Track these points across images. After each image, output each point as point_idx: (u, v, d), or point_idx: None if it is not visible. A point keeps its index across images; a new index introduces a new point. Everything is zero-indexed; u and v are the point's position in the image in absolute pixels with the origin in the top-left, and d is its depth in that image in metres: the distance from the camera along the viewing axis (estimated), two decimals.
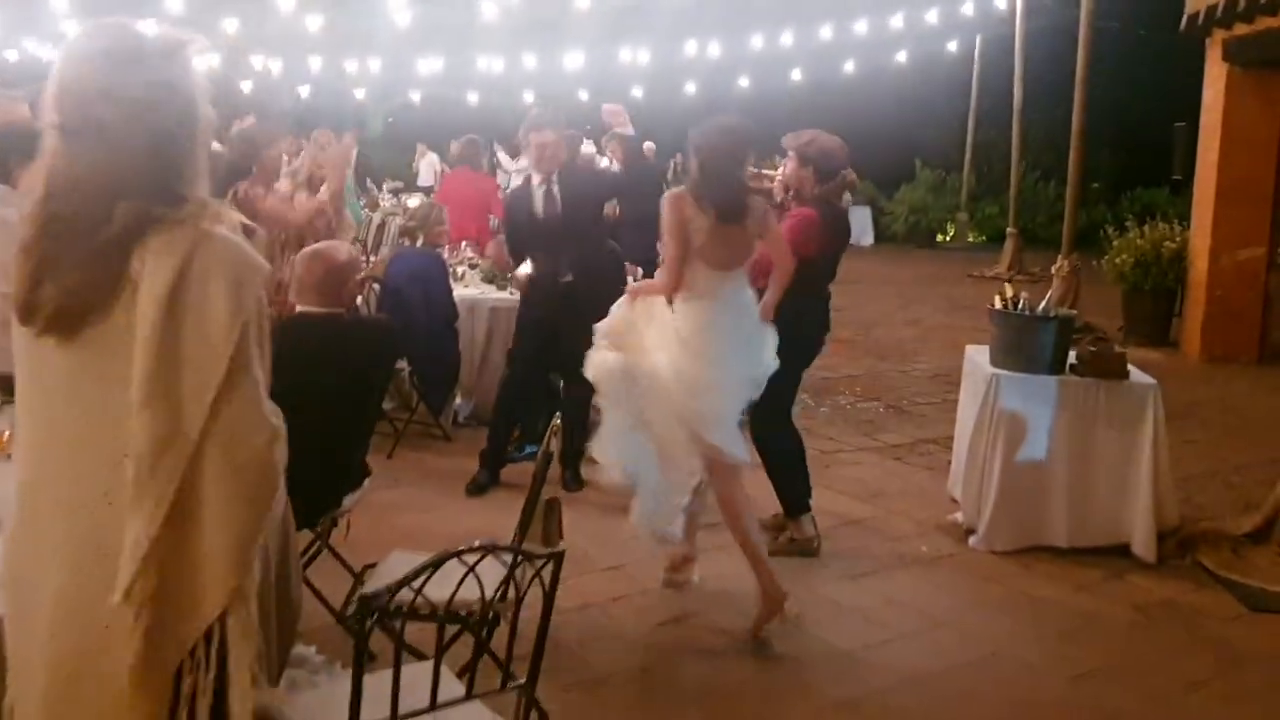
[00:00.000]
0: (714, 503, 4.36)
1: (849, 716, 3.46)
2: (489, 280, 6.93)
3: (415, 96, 19.57)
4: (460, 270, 7.07)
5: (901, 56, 17.51)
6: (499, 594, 2.40)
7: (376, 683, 2.44)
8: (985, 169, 21.43)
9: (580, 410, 4.87)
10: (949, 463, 5.78)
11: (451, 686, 2.54)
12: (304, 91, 17.83)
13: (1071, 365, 4.96)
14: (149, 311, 1.67)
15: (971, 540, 4.90)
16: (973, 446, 4.94)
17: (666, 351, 3.94)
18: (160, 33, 1.80)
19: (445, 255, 6.87)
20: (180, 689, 1.79)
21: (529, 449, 5.59)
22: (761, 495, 5.07)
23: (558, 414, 3.37)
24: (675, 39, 14.95)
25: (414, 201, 9.58)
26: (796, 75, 17.51)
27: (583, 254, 5.29)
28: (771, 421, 4.73)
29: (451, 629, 2.90)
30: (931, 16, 15.27)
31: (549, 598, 2.46)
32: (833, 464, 6.11)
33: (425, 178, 15.81)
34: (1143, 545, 4.75)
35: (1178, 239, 10.36)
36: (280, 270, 5.17)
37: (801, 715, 3.47)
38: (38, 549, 1.77)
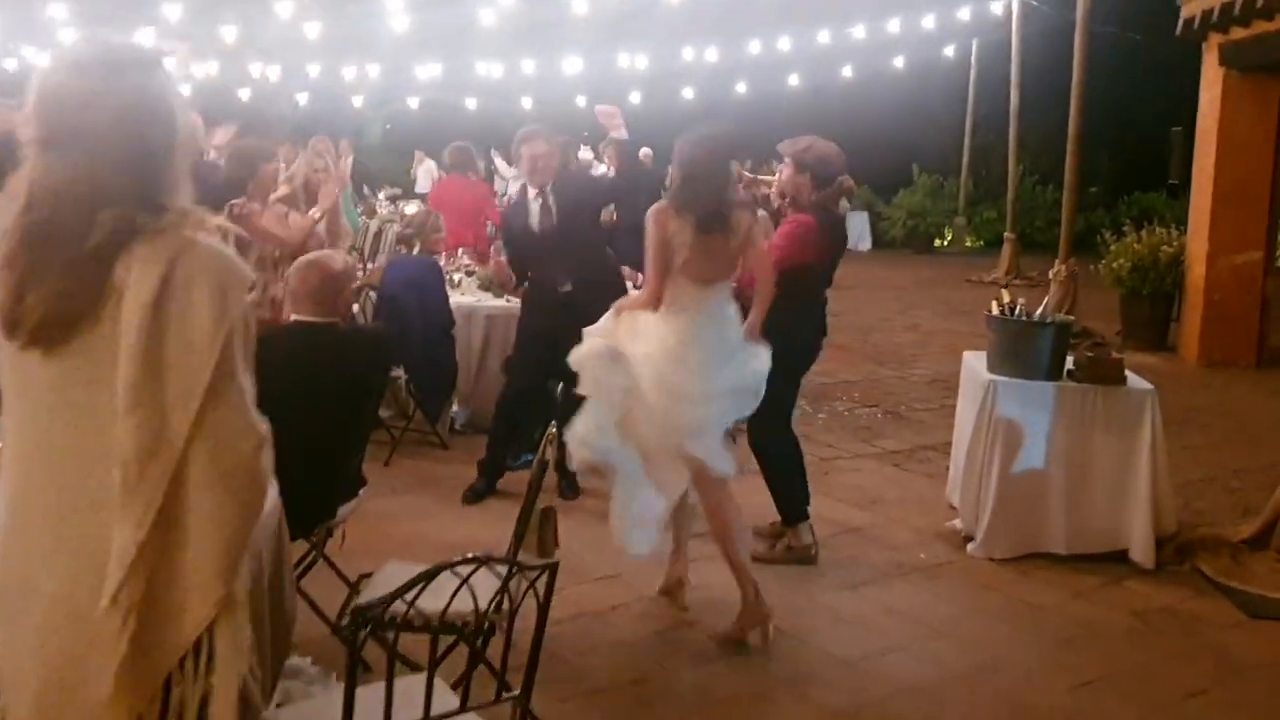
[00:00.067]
0: (698, 512, 4.36)
1: None
2: (486, 287, 6.92)
3: (413, 103, 19.58)
4: (457, 277, 7.06)
5: (899, 61, 17.54)
6: (494, 605, 2.39)
7: (371, 695, 2.42)
8: (983, 174, 21.43)
9: None
10: (947, 469, 5.77)
11: (446, 698, 2.53)
12: (302, 99, 17.84)
13: (1069, 371, 4.95)
14: (134, 319, 1.68)
15: (970, 547, 4.89)
16: (970, 453, 4.93)
17: (650, 364, 3.92)
18: (139, 44, 1.83)
19: (442, 262, 6.86)
20: (169, 699, 1.78)
21: (526, 457, 5.58)
22: (759, 502, 5.06)
23: (553, 422, 3.36)
24: (673, 44, 14.97)
25: (411, 209, 9.57)
26: (794, 80, 17.54)
27: (581, 262, 5.28)
28: (770, 428, 4.72)
29: (447, 640, 2.89)
30: (928, 22, 15.29)
31: (543, 609, 2.45)
32: (831, 471, 6.10)
33: (423, 184, 15.81)
34: (1141, 552, 4.73)
35: (1175, 243, 10.36)
36: (273, 286, 5.16)
37: None
38: (27, 557, 1.77)
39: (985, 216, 21.53)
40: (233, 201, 5.13)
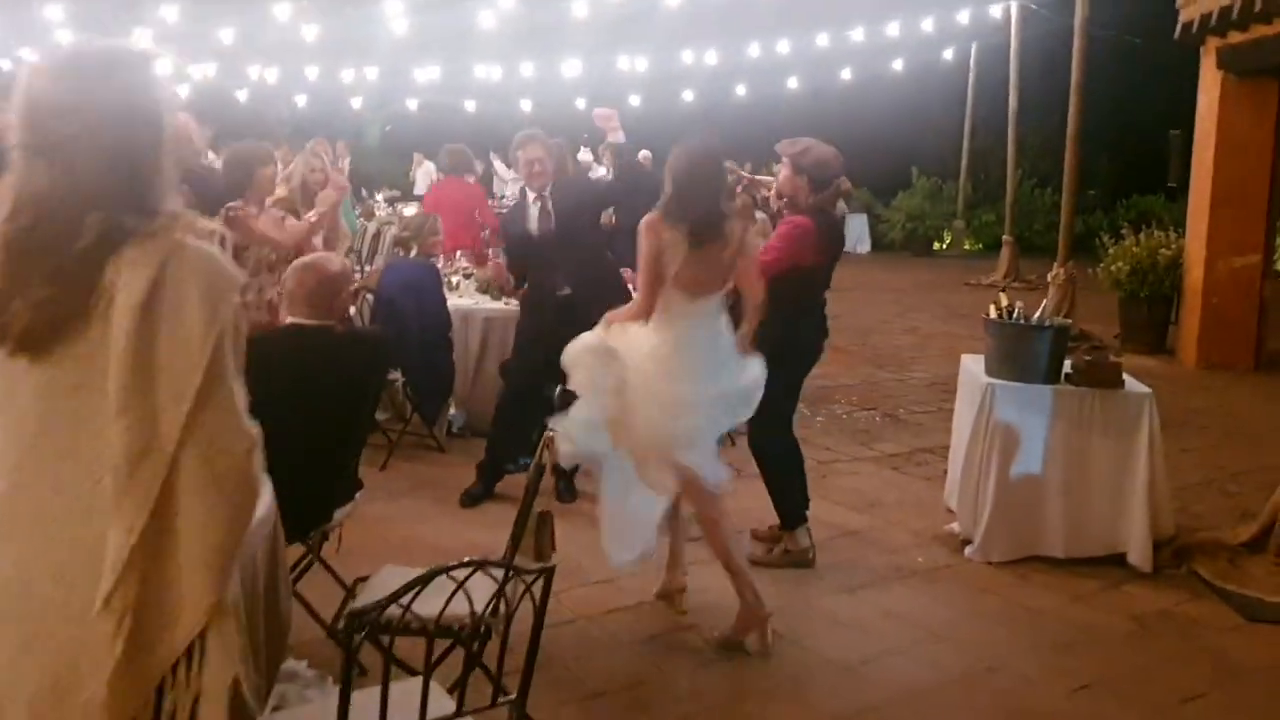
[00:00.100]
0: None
1: None
2: (484, 290, 6.92)
3: (412, 105, 19.57)
4: (455, 280, 7.06)
5: (898, 65, 17.55)
6: (490, 609, 2.38)
7: (366, 699, 2.42)
8: (982, 176, 21.46)
9: None
10: (946, 472, 5.76)
11: (442, 702, 2.52)
12: (300, 101, 17.83)
13: (1067, 375, 4.94)
14: (124, 322, 1.68)
15: (968, 551, 4.88)
16: (969, 457, 4.92)
17: (641, 375, 3.91)
18: (124, 48, 1.82)
19: (440, 265, 6.86)
20: (162, 704, 1.78)
21: (525, 461, 5.57)
22: (757, 505, 5.06)
23: (551, 427, 3.36)
24: (672, 47, 14.97)
25: (410, 211, 9.57)
26: (793, 83, 17.55)
27: (580, 266, 5.28)
28: (770, 431, 4.72)
29: (443, 644, 2.88)
30: (927, 25, 15.30)
31: (539, 613, 2.44)
32: (829, 474, 6.09)
33: (422, 187, 15.82)
34: (1139, 555, 4.73)
35: (1173, 246, 10.37)
36: (270, 289, 5.16)
37: None
38: (18, 561, 1.76)
39: (984, 219, 21.55)
40: (229, 204, 5.13)
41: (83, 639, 1.72)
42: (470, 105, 18.42)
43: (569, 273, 5.27)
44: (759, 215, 10.43)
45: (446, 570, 2.26)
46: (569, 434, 3.70)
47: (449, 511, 5.30)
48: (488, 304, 6.72)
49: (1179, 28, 10.14)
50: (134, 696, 1.73)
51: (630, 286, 5.71)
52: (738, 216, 4.25)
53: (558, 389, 5.57)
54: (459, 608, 2.27)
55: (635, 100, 17.32)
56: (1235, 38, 9.35)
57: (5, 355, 1.73)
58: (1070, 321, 5.95)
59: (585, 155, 11.65)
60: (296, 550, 3.50)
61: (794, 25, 14.75)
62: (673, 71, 15.81)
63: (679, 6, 11.80)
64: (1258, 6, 8.64)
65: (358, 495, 3.83)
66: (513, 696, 2.60)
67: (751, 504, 5.25)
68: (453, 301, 6.53)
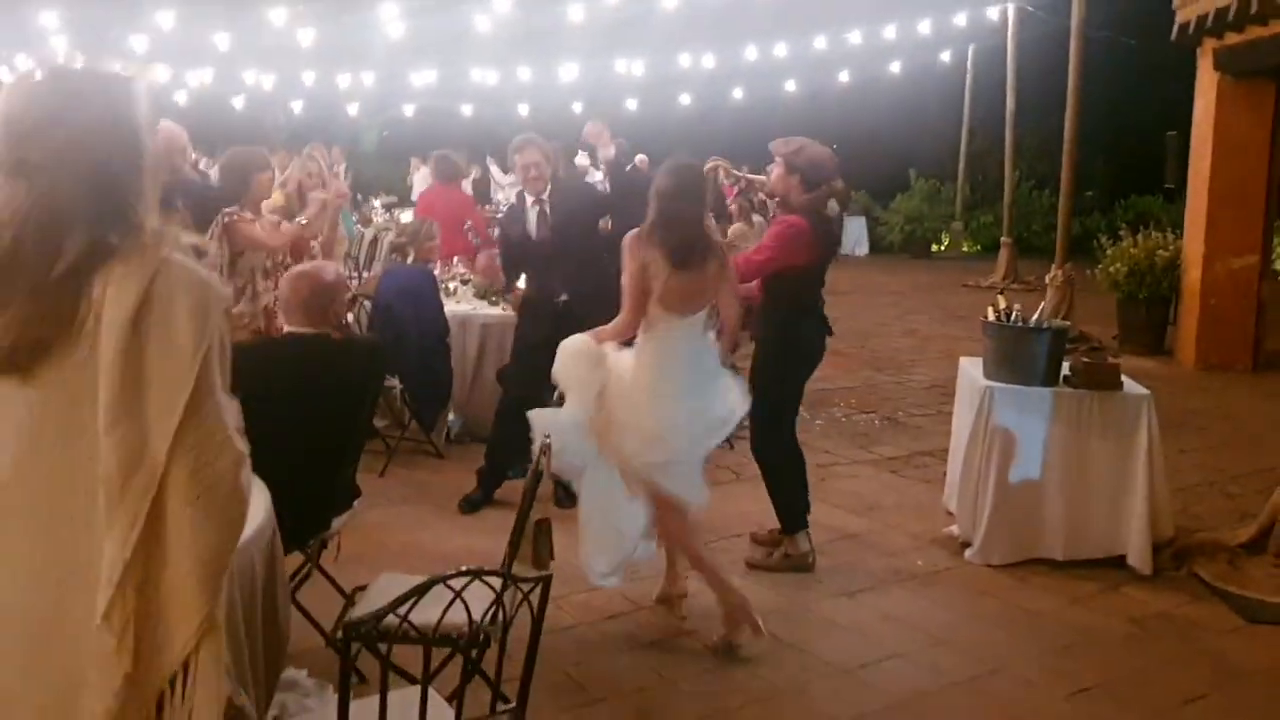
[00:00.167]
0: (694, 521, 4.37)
1: None
2: (481, 296, 6.91)
3: (409, 110, 19.57)
4: (452, 286, 7.06)
5: (895, 67, 17.55)
6: (489, 617, 2.38)
7: (366, 708, 2.42)
8: (980, 178, 21.46)
9: None
10: (945, 475, 5.76)
11: (441, 711, 2.52)
12: (297, 106, 17.83)
13: (1065, 377, 4.94)
14: (113, 337, 1.68)
15: (967, 554, 4.88)
16: (967, 460, 4.92)
17: (624, 389, 3.94)
18: (100, 69, 1.85)
19: (437, 271, 6.86)
20: (162, 717, 1.78)
21: (524, 466, 5.56)
22: (757, 510, 5.06)
23: (548, 433, 3.35)
24: (669, 51, 14.97)
25: (407, 217, 9.58)
26: (791, 86, 17.55)
27: (578, 272, 5.27)
28: (772, 434, 4.72)
29: (443, 653, 2.87)
30: (924, 27, 15.30)
31: (537, 621, 2.44)
32: (828, 477, 6.08)
33: (419, 192, 15.82)
34: (1138, 557, 4.72)
35: (1171, 247, 10.37)
36: (265, 296, 5.15)
37: None
38: (16, 578, 1.76)
39: (982, 221, 21.55)
40: (225, 210, 5.13)
41: (85, 654, 1.72)
42: (467, 110, 18.41)
43: (566, 279, 5.27)
44: (756, 219, 10.46)
45: (444, 579, 2.26)
46: (554, 436, 3.71)
47: (448, 518, 5.29)
48: (485, 309, 6.71)
49: (1175, 29, 10.15)
50: (138, 710, 1.73)
51: None
52: (740, 220, 4.28)
53: (555, 394, 5.57)
54: (457, 616, 2.27)
55: (632, 104, 17.32)
56: (1232, 39, 9.36)
57: None
58: (1069, 323, 5.97)
59: (582, 160, 11.63)
60: (295, 558, 3.50)
61: (791, 28, 14.75)
62: (670, 75, 15.81)
63: (675, 10, 11.80)
64: (1254, 8, 8.64)
65: (356, 503, 3.82)
66: (512, 705, 2.59)
67: (751, 507, 5.25)
68: (450, 307, 6.53)
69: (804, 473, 4.83)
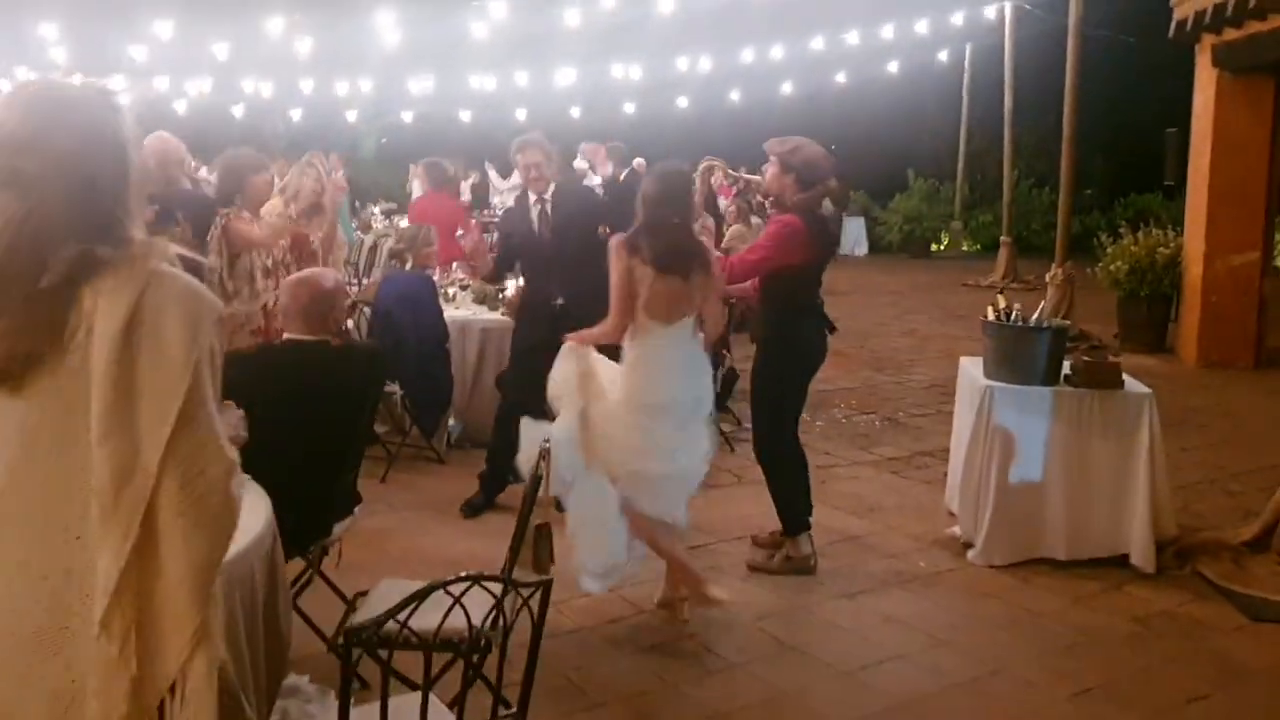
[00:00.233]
0: (696, 524, 4.43)
1: None
2: (480, 301, 6.91)
3: (407, 116, 19.59)
4: (451, 291, 7.06)
5: (893, 67, 17.56)
6: (489, 622, 2.37)
7: (368, 714, 2.41)
8: (979, 177, 21.46)
9: None
10: (946, 475, 5.75)
11: (442, 716, 2.51)
12: (295, 115, 17.85)
13: (1066, 376, 4.93)
14: (104, 348, 1.69)
15: (970, 554, 4.86)
16: (969, 460, 4.91)
17: (607, 410, 3.98)
18: (85, 83, 1.88)
19: (436, 277, 6.85)
20: None
21: None
22: (758, 512, 5.06)
23: (548, 438, 3.35)
24: (666, 54, 14.99)
25: (406, 223, 9.58)
26: (788, 88, 17.57)
27: (576, 275, 5.26)
28: (775, 436, 4.70)
29: (444, 658, 2.87)
30: (921, 27, 15.31)
31: (538, 626, 2.44)
32: (829, 479, 6.07)
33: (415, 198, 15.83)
34: (1141, 556, 4.71)
35: (1172, 245, 10.36)
36: (264, 295, 5.15)
37: None
38: (10, 584, 1.77)
39: (981, 220, 21.55)
40: (222, 210, 5.15)
41: (83, 662, 1.73)
42: (465, 116, 18.44)
43: (564, 282, 5.26)
44: (754, 220, 10.46)
45: (443, 585, 2.26)
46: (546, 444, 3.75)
47: (450, 522, 5.29)
48: (485, 315, 6.71)
49: (1173, 26, 10.15)
50: (146, 712, 1.74)
51: None
52: (739, 221, 4.33)
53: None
54: (458, 621, 2.26)
55: (630, 107, 17.34)
56: (1230, 35, 9.35)
57: None
58: (1069, 322, 5.96)
59: (581, 163, 11.65)
60: (297, 564, 3.50)
61: (788, 30, 14.76)
62: (667, 78, 15.83)
63: (672, 13, 11.81)
64: (1252, 3, 8.64)
65: (356, 509, 3.82)
66: (513, 710, 2.59)
67: (751, 510, 5.24)
68: (450, 313, 6.53)
69: (806, 475, 4.82)
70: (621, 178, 6.57)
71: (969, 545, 4.91)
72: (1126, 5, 15.73)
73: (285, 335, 3.73)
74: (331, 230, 5.97)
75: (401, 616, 2.24)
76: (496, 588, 2.34)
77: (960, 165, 20.69)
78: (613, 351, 4.20)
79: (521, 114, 17.00)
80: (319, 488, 3.52)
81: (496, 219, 8.69)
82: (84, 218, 1.75)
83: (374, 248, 10.32)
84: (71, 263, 1.71)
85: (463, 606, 2.25)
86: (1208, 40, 9.73)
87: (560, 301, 5.24)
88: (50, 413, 1.73)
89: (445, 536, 5.09)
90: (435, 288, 6.55)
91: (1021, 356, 4.86)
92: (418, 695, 2.39)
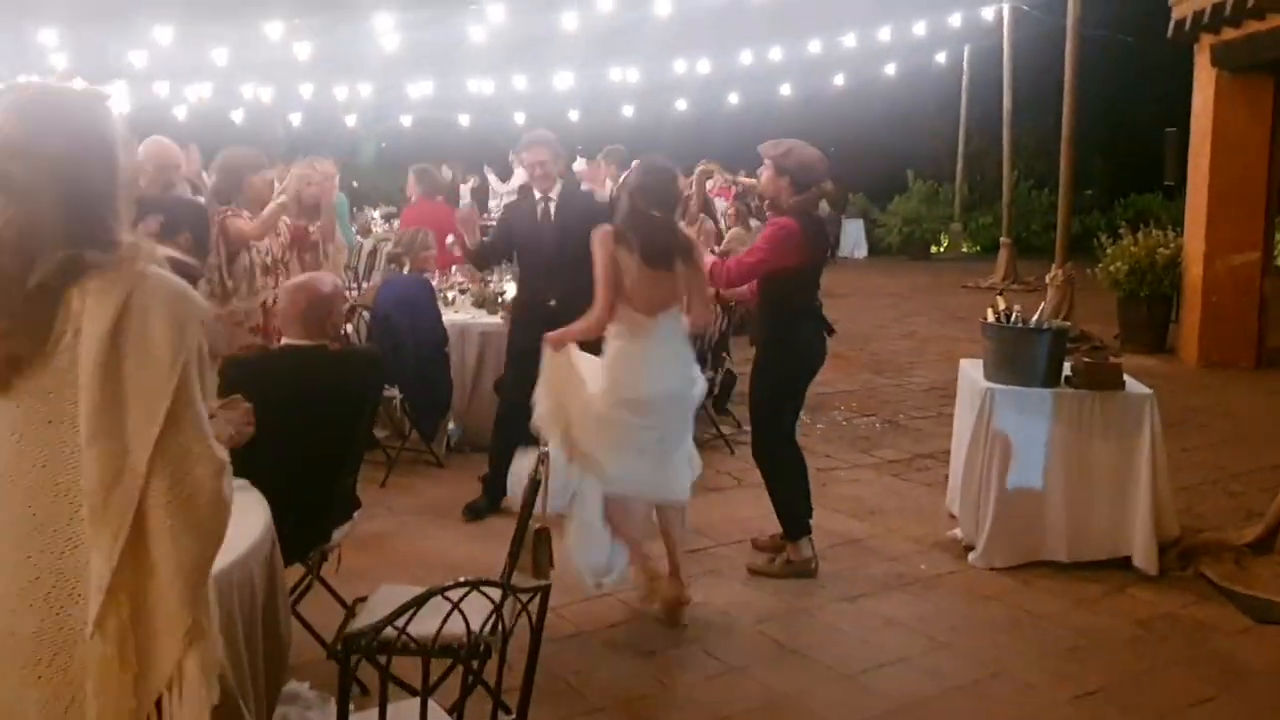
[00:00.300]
0: (696, 527, 4.48)
1: None
2: (479, 305, 6.91)
3: (406, 121, 19.61)
4: (451, 295, 7.05)
5: (891, 69, 17.56)
6: (488, 628, 2.36)
7: None
8: (978, 178, 21.45)
9: None
10: (947, 478, 5.74)
11: None
12: (295, 119, 17.86)
13: (1067, 377, 4.92)
14: (91, 350, 1.71)
15: (971, 557, 4.85)
16: (969, 462, 4.90)
17: (588, 415, 4.02)
18: (75, 88, 1.90)
19: (435, 281, 6.84)
20: None
21: None
22: (759, 515, 5.04)
23: (546, 442, 3.34)
24: (664, 57, 14.99)
25: None
26: (786, 90, 17.56)
27: (574, 279, 5.24)
28: (773, 439, 4.69)
29: (443, 664, 2.86)
30: (919, 29, 15.31)
31: (536, 631, 2.43)
32: (829, 482, 6.06)
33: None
34: (1143, 558, 4.70)
35: (1172, 245, 10.35)
36: (263, 292, 5.14)
37: None
38: (5, 589, 1.77)
39: (981, 222, 21.54)
40: (219, 208, 5.15)
41: (81, 665, 1.74)
42: (464, 120, 18.45)
43: (562, 285, 5.24)
44: (754, 223, 10.45)
45: (441, 591, 2.25)
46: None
47: (450, 526, 5.28)
48: (484, 318, 6.70)
49: (1172, 25, 10.14)
50: (144, 708, 1.76)
51: None
52: (738, 224, 4.37)
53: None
54: (457, 627, 2.26)
55: (629, 111, 17.34)
56: (1229, 34, 9.35)
57: None
58: (1069, 323, 5.94)
59: (581, 165, 11.66)
60: (296, 570, 3.49)
61: (786, 32, 14.76)
62: (665, 81, 15.83)
63: (671, 16, 11.81)
64: (1250, 2, 8.64)
65: (356, 514, 3.82)
66: (513, 715, 2.58)
67: (752, 513, 5.24)
68: (449, 316, 6.52)
69: (805, 477, 4.80)
70: (622, 180, 6.56)
71: (970, 548, 4.89)
72: (1124, 5, 15.73)
73: (284, 340, 3.72)
74: (329, 220, 5.96)
75: (400, 622, 2.23)
76: (495, 593, 2.33)
77: (959, 167, 20.69)
78: (595, 348, 4.24)
79: (520, 118, 17.00)
80: (318, 493, 3.51)
81: (494, 223, 8.67)
82: (73, 221, 1.76)
83: (374, 252, 10.31)
84: (59, 265, 1.73)
85: (461, 612, 2.24)
86: (1206, 40, 9.73)
87: (553, 303, 5.22)
88: (39, 415, 1.75)
89: (445, 541, 5.08)
90: (433, 291, 6.55)
91: (1022, 358, 4.85)
92: (417, 701, 2.38)
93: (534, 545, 3.04)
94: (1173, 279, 10.25)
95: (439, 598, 2.23)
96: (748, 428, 5.08)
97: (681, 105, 17.92)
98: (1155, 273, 10.28)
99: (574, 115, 16.40)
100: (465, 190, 13.87)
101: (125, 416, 1.72)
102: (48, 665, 1.75)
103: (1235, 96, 9.67)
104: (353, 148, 20.79)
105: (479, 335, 6.53)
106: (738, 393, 6.94)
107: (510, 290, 6.59)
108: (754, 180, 5.24)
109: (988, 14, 16.54)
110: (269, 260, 5.26)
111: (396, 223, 12.21)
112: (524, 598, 2.40)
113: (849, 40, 15.08)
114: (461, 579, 2.27)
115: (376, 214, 14.27)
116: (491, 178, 14.24)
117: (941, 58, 18.38)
